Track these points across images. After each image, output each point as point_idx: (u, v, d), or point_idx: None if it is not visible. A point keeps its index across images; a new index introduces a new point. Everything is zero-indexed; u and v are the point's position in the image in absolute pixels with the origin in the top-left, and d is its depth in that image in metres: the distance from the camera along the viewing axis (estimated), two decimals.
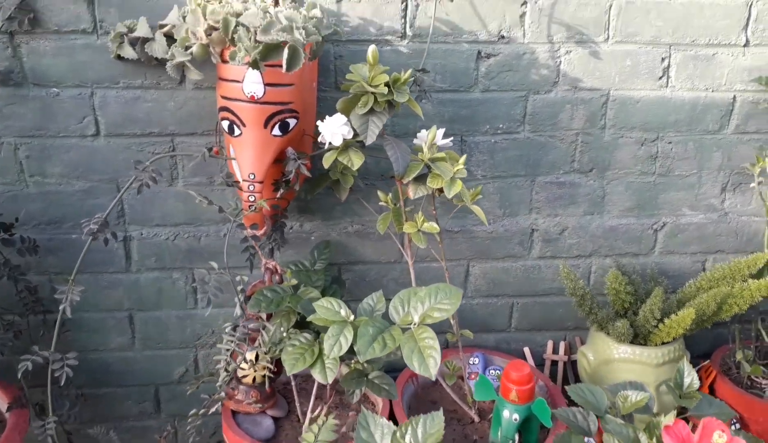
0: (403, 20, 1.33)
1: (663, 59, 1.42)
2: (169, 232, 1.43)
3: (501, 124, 1.43)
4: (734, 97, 1.46)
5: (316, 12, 1.06)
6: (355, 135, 1.12)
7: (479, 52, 1.37)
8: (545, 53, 1.38)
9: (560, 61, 1.40)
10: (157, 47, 1.18)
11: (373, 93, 1.07)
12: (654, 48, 1.41)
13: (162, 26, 1.19)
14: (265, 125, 1.11)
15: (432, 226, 1.16)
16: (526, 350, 1.62)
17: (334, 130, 1.09)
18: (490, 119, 1.42)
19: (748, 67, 1.44)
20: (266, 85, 1.08)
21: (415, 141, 1.24)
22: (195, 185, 1.39)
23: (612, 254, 1.57)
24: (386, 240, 1.48)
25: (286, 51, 0.96)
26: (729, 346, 1.54)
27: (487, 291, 1.57)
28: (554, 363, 1.63)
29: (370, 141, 1.08)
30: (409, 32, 1.34)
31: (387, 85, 1.07)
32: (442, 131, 1.22)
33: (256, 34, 0.99)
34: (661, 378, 1.38)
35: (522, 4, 1.35)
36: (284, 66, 0.97)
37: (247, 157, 1.12)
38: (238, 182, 1.17)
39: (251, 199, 1.14)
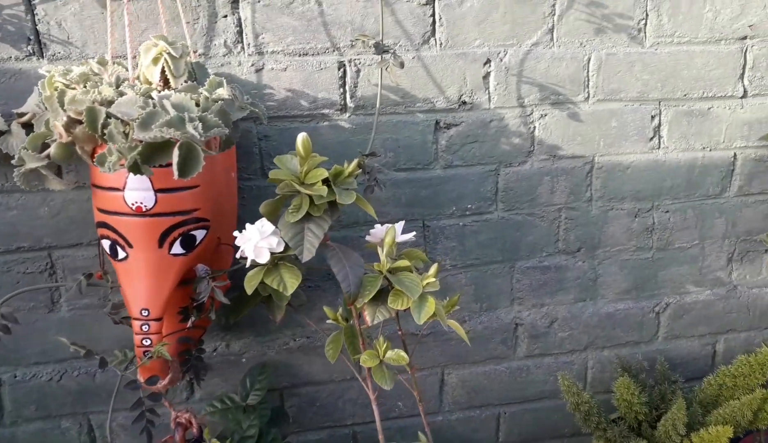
0: (341, 90, 1.07)
1: (653, 117, 1.20)
2: (53, 371, 1.10)
3: (469, 203, 1.17)
4: (735, 154, 1.25)
5: (222, 92, 0.79)
6: (287, 247, 0.83)
7: (437, 123, 1.12)
8: (516, 119, 1.14)
9: (534, 127, 1.16)
10: (15, 142, 0.88)
11: (307, 194, 0.79)
12: (642, 105, 1.19)
13: (20, 115, 0.89)
14: (161, 243, 0.81)
15: (400, 355, 0.87)
16: None
17: (257, 242, 0.81)
18: (455, 199, 1.16)
19: (747, 120, 1.23)
20: (157, 191, 0.79)
21: (368, 238, 0.96)
22: (84, 310, 1.07)
23: (610, 345, 1.31)
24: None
25: (175, 152, 0.68)
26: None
27: (468, 402, 1.29)
28: None
29: (307, 257, 0.80)
30: (350, 104, 1.08)
31: (326, 181, 0.79)
32: (401, 225, 0.96)
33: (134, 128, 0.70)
34: None
35: (485, 64, 1.11)
36: (175, 172, 0.68)
37: (138, 288, 0.82)
38: (129, 319, 0.86)
39: (146, 342, 0.83)
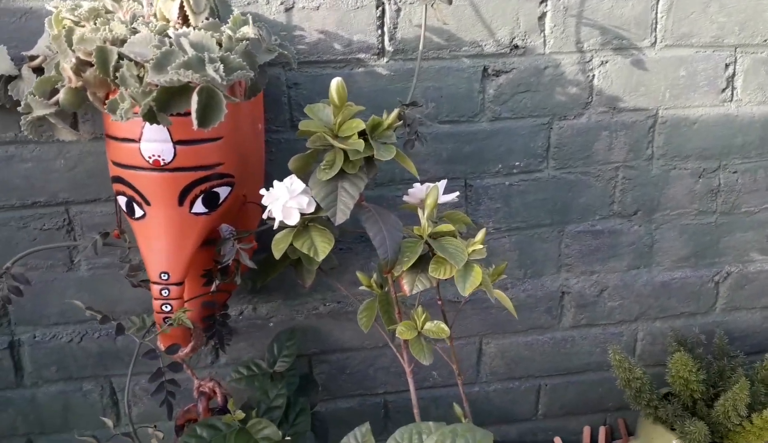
0: (379, 31, 0.96)
1: (727, 66, 1.06)
2: (73, 332, 1.05)
3: (517, 161, 1.07)
4: None
5: (247, 31, 0.69)
6: (319, 207, 0.75)
7: (485, 69, 1.01)
8: (573, 66, 1.02)
9: (593, 76, 1.04)
10: (25, 88, 0.80)
11: (342, 149, 0.70)
12: (715, 51, 1.05)
13: (32, 58, 0.81)
14: (181, 201, 0.73)
15: (440, 327, 0.79)
16: (557, 441, 1.27)
17: (285, 202, 0.72)
18: (502, 156, 1.06)
19: None
20: (177, 142, 0.70)
21: (406, 198, 0.87)
22: (103, 269, 1.01)
23: (664, 316, 1.21)
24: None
25: (194, 98, 0.59)
26: None
27: (507, 373, 1.21)
28: None
29: (340, 220, 0.71)
30: (388, 47, 0.97)
31: (363, 134, 0.70)
32: (443, 184, 0.86)
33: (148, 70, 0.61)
34: None
35: (541, 2, 0.98)
36: (194, 121, 0.60)
37: (157, 249, 0.74)
38: (147, 282, 0.79)
39: (166, 308, 0.76)
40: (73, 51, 0.66)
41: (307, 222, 0.76)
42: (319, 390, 1.09)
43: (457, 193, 0.88)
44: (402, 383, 1.18)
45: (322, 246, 0.73)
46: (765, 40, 1.06)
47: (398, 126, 0.75)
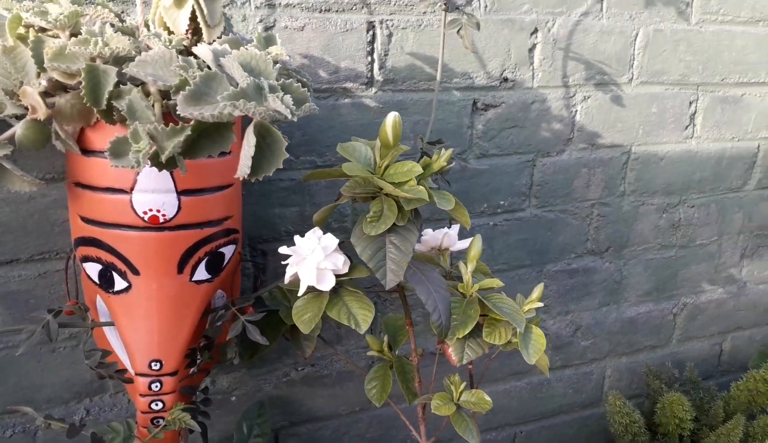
0: (369, 58, 0.85)
1: (691, 103, 1.09)
2: None
3: (502, 200, 1.00)
4: (758, 146, 1.18)
5: (278, 52, 0.55)
6: (352, 268, 0.61)
7: (475, 103, 0.93)
8: (559, 101, 0.99)
9: (576, 111, 1.01)
10: None
11: (394, 197, 0.57)
12: (682, 89, 1.07)
13: None
14: (181, 268, 0.56)
15: (481, 398, 0.69)
16: None
17: (319, 262, 0.58)
18: (488, 194, 0.99)
19: None
20: (182, 193, 0.54)
21: (417, 246, 0.77)
22: (16, 347, 0.78)
23: (629, 351, 1.21)
24: (347, 379, 0.98)
25: (249, 137, 0.44)
26: None
27: (484, 424, 1.13)
28: None
29: (392, 283, 0.58)
30: (377, 76, 0.87)
31: (420, 178, 0.58)
32: (456, 229, 0.77)
33: (166, 98, 0.46)
34: None
35: (532, 33, 0.93)
36: (244, 169, 0.45)
37: (145, 331, 0.57)
38: (124, 373, 0.61)
39: (156, 406, 0.58)
40: (44, 70, 0.48)
41: (336, 284, 0.62)
42: None
43: (471, 240, 0.79)
44: None
45: (362, 316, 0.60)
46: (722, 80, 1.10)
47: (449, 168, 0.64)
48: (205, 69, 0.45)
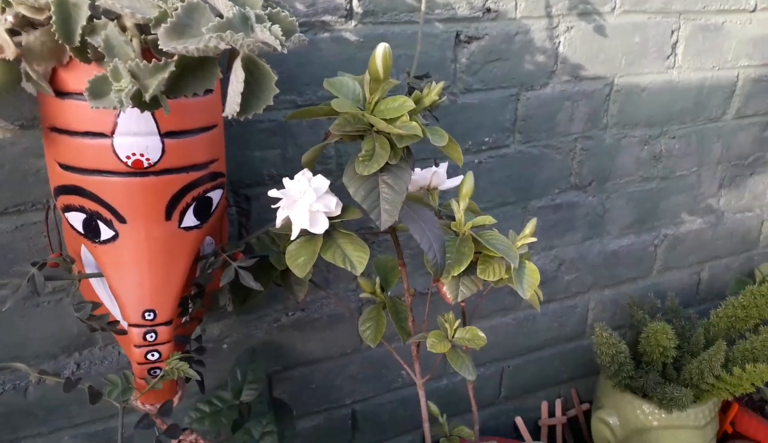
0: None
1: (672, 32, 1.08)
2: None
3: (487, 136, 0.99)
4: (738, 74, 1.18)
5: None
6: (344, 209, 0.60)
7: (458, 35, 0.91)
8: (542, 31, 0.96)
9: (559, 42, 0.99)
10: None
11: (386, 135, 0.56)
12: (664, 18, 1.06)
13: None
14: (169, 214, 0.54)
15: (475, 334, 0.69)
16: (519, 421, 1.24)
17: (309, 204, 0.57)
18: (472, 131, 0.98)
19: (753, 37, 1.16)
20: (165, 135, 0.51)
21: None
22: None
23: (612, 283, 1.23)
24: (338, 322, 0.99)
25: (237, 72, 0.42)
26: None
27: (473, 360, 1.14)
28: (551, 427, 1.28)
29: (387, 224, 0.57)
30: (357, 8, 0.83)
31: (411, 114, 0.56)
32: (444, 166, 0.76)
33: (146, 33, 0.43)
34: (708, 439, 1.09)
35: None
36: (233, 106, 0.42)
37: (136, 281, 0.55)
38: (116, 325, 0.59)
39: (153, 357, 0.57)
40: (9, 4, 0.44)
41: (329, 227, 0.61)
42: (293, 416, 0.93)
43: (462, 177, 0.78)
44: (370, 389, 1.06)
45: (357, 258, 0.59)
46: (704, 7, 1.08)
47: (441, 102, 0.62)
48: None
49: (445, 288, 0.65)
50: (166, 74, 0.41)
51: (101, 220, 0.53)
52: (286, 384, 0.99)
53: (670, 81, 1.11)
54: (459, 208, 0.66)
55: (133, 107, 0.43)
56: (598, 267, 1.19)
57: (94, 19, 0.44)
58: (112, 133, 0.50)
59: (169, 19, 0.40)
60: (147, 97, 0.41)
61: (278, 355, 0.97)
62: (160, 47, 0.41)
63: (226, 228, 0.71)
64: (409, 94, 0.67)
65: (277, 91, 0.44)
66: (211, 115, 0.55)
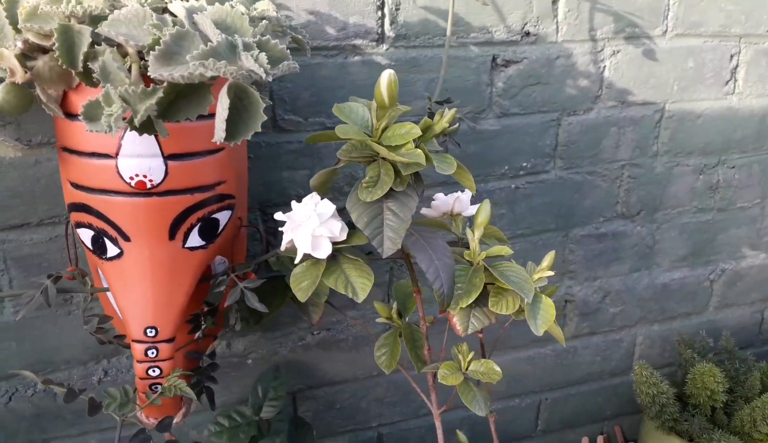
0: (379, 13, 0.81)
1: (732, 57, 1.01)
2: (7, 390, 0.83)
3: (524, 161, 0.96)
4: None
5: (266, 7, 0.52)
6: (350, 234, 0.59)
7: (494, 59, 0.89)
8: (585, 55, 0.93)
9: (604, 67, 0.94)
10: None
11: (391, 161, 0.55)
12: (722, 41, 1.00)
13: None
14: (172, 234, 0.55)
15: (490, 368, 0.66)
16: None
17: (315, 229, 0.56)
18: (509, 156, 0.95)
19: None
20: (169, 157, 0.52)
21: (426, 211, 0.74)
22: (35, 309, 0.80)
23: (662, 318, 1.16)
24: (363, 344, 0.98)
25: (223, 99, 0.42)
26: None
27: (506, 391, 1.11)
28: None
29: (389, 252, 0.56)
30: (389, 32, 0.83)
31: (417, 141, 0.55)
32: (468, 194, 0.74)
33: (142, 59, 0.44)
34: None
35: None
36: (219, 133, 0.43)
37: (140, 298, 0.56)
38: (123, 338, 0.61)
39: (153, 373, 0.58)
40: (20, 31, 0.47)
41: (334, 251, 0.60)
42: (314, 436, 0.93)
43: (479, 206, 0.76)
44: (396, 413, 1.04)
45: (361, 284, 0.58)
46: (767, 30, 1.01)
47: (452, 129, 0.61)
48: (177, 27, 0.43)
49: (455, 319, 0.63)
50: (153, 100, 0.42)
51: (107, 238, 0.55)
52: (310, 402, 0.99)
53: (730, 107, 1.04)
54: (474, 236, 0.63)
55: (130, 131, 0.44)
56: (646, 300, 1.13)
57: (96, 46, 0.45)
58: (117, 154, 0.52)
59: (157, 47, 0.41)
60: (137, 121, 0.42)
61: (303, 374, 0.97)
62: (148, 74, 0.41)
63: (241, 247, 0.71)
64: (431, 119, 0.66)
65: (265, 117, 0.44)
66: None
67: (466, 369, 0.67)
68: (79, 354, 0.83)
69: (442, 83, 0.74)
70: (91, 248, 0.57)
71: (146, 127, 0.44)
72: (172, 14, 0.46)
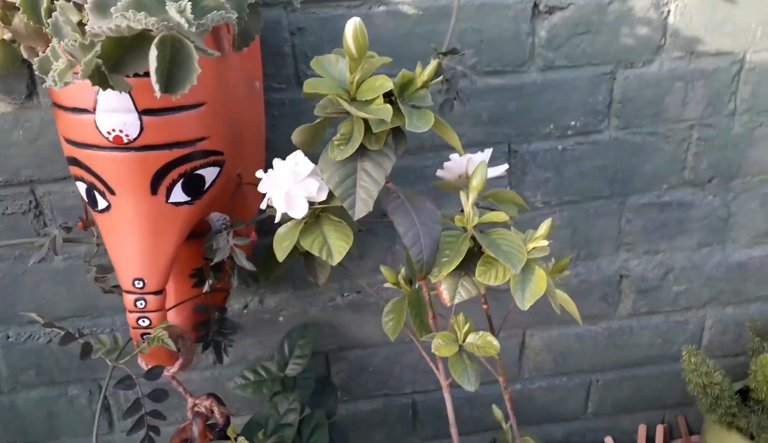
0: None
1: None
2: (51, 331, 0.90)
3: (573, 120, 0.88)
4: None
5: None
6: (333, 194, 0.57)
7: (536, 5, 0.81)
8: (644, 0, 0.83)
9: (668, 11, 0.84)
10: None
11: (362, 118, 0.52)
12: None
13: None
14: (154, 189, 0.56)
15: (487, 342, 0.62)
16: (608, 441, 1.12)
17: (289, 188, 0.55)
18: (554, 114, 0.87)
19: None
20: (143, 112, 0.53)
21: (441, 173, 0.70)
22: (81, 258, 0.86)
23: (737, 301, 1.04)
24: None
25: (152, 53, 0.41)
26: None
27: (553, 368, 1.05)
28: None
29: (361, 213, 0.54)
30: None
31: (389, 96, 0.52)
32: (488, 153, 0.69)
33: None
34: None
35: None
36: (155, 86, 0.42)
37: (127, 250, 0.58)
38: (119, 288, 0.63)
39: (143, 323, 0.60)
40: None
41: (317, 212, 0.58)
42: (338, 396, 0.93)
43: (507, 166, 0.70)
44: (433, 380, 1.02)
45: (337, 246, 0.56)
46: None
47: (437, 82, 0.57)
48: None
49: (441, 288, 0.59)
50: (92, 54, 0.42)
51: (97, 191, 0.57)
52: (342, 364, 0.99)
53: None
54: (468, 200, 0.59)
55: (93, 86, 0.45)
56: (717, 280, 1.01)
57: (54, 1, 0.46)
58: (94, 109, 0.53)
59: (92, 1, 0.41)
60: (80, 75, 0.43)
61: (334, 334, 0.97)
62: (86, 28, 0.41)
63: (251, 204, 0.71)
64: (437, 73, 0.61)
65: (200, 70, 0.42)
66: (197, 93, 0.55)
67: (463, 341, 0.64)
68: (120, 302, 0.88)
69: (451, 32, 0.69)
70: (86, 200, 0.59)
71: (100, 81, 0.45)
72: None
